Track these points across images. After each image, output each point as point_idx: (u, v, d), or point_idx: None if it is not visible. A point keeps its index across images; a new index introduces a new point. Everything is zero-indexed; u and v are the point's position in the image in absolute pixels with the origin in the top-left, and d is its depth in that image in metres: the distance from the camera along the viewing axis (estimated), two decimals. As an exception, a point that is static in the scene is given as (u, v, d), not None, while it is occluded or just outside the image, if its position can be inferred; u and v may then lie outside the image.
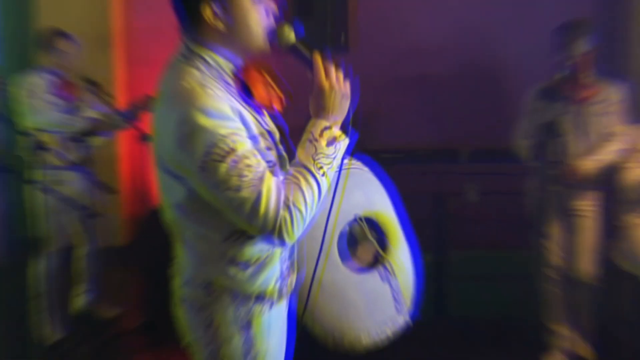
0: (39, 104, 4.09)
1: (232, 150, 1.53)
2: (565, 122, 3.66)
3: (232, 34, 1.70)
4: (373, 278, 2.20)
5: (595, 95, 3.68)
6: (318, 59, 1.70)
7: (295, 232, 1.60)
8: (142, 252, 4.87)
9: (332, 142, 1.67)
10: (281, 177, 1.61)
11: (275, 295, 1.81)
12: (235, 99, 1.66)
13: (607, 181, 3.80)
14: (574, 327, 3.82)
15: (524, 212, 3.98)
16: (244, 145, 1.56)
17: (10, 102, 4.25)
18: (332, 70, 1.69)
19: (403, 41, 5.29)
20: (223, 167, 1.53)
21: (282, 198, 1.57)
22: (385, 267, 2.21)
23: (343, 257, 2.17)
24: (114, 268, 4.63)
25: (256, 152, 1.59)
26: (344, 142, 1.71)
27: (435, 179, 4.45)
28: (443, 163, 4.50)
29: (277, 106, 1.84)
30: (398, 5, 5.31)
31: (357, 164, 2.20)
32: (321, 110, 1.69)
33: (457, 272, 4.47)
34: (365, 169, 2.26)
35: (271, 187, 1.55)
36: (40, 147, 3.44)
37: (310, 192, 1.61)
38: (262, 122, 1.72)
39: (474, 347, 4.12)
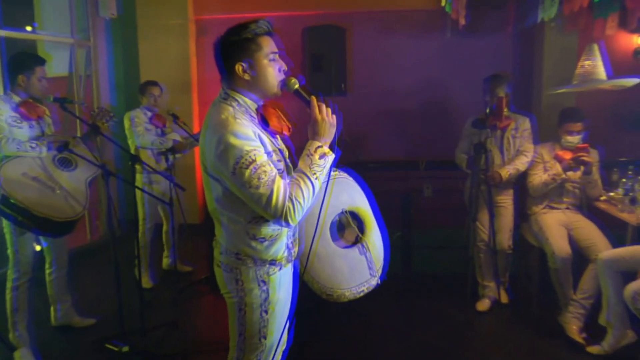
0: (140, 131, 4.09)
1: (253, 161, 1.60)
2: (490, 143, 3.60)
3: (255, 83, 1.74)
4: (354, 252, 2.15)
5: (511, 124, 3.62)
6: (314, 100, 1.72)
7: (297, 217, 1.65)
8: (209, 228, 4.86)
9: (322, 156, 1.69)
10: (287, 180, 1.66)
11: (284, 261, 1.83)
12: (256, 126, 1.69)
13: (519, 182, 3.74)
14: (496, 281, 3.75)
15: (463, 203, 3.91)
16: (261, 157, 1.62)
17: (120, 130, 4.23)
18: (324, 107, 1.70)
19: (383, 87, 5.23)
20: (247, 173, 1.59)
21: (287, 194, 1.62)
22: (362, 245, 2.18)
23: (333, 237, 2.12)
24: (192, 238, 4.58)
25: (270, 163, 1.64)
26: (331, 157, 1.72)
27: (403, 181, 4.39)
28: (408, 170, 4.44)
29: (286, 132, 1.85)
30: (380, 63, 5.24)
31: (343, 174, 2.17)
32: (315, 134, 1.71)
33: (418, 243, 4.40)
34: (349, 177, 2.20)
35: (280, 187, 1.61)
36: (137, 159, 3.41)
37: (307, 190, 1.65)
38: (275, 142, 1.76)
39: (429, 294, 4.05)
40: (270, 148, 1.70)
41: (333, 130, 1.71)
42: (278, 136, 1.81)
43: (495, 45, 5.09)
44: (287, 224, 1.71)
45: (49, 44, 5.03)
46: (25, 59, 3.07)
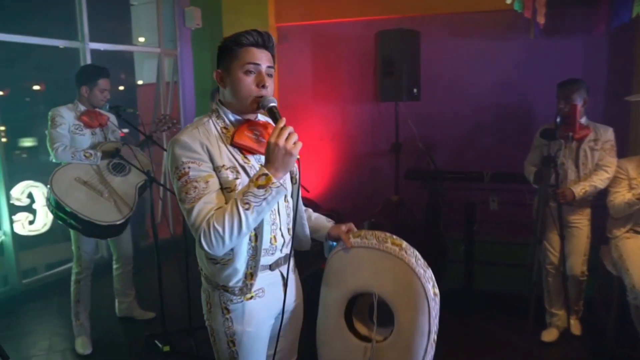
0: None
1: (186, 173, 1.47)
2: (564, 156, 3.12)
3: (230, 95, 1.57)
4: (357, 347, 1.76)
5: (588, 135, 3.09)
6: (280, 123, 1.45)
7: (214, 245, 1.43)
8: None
9: (263, 186, 1.41)
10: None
11: (237, 290, 1.59)
12: (214, 140, 1.52)
13: (597, 201, 3.19)
14: (566, 310, 3.24)
15: (530, 219, 3.42)
16: (196, 171, 1.47)
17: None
18: (285, 133, 1.42)
19: (455, 92, 4.82)
20: (178, 184, 1.48)
21: (207, 216, 1.43)
22: (371, 347, 1.75)
23: (347, 317, 1.80)
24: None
25: (208, 180, 1.47)
26: (275, 189, 1.43)
27: (468, 192, 3.97)
28: (473, 181, 4.00)
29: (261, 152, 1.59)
30: (453, 68, 4.82)
31: (399, 246, 1.70)
32: (267, 161, 1.45)
33: (481, 258, 3.96)
34: (409, 254, 1.70)
35: (202, 206, 1.44)
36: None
37: (230, 218, 1.41)
38: (237, 159, 1.54)
39: (490, 315, 3.62)
40: (222, 163, 1.51)
41: (288, 161, 1.43)
42: (254, 156, 1.60)
43: (582, 47, 4.45)
44: (204, 248, 1.44)
45: (141, 54, 5.28)
46: (89, 71, 3.20)
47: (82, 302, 3.28)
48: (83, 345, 3.25)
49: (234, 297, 1.59)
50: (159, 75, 5.22)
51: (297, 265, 1.89)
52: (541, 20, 3.65)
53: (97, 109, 3.24)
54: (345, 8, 5.15)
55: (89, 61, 4.37)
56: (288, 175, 1.70)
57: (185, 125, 3.95)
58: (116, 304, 3.68)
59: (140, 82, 5.37)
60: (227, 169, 1.51)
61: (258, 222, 1.48)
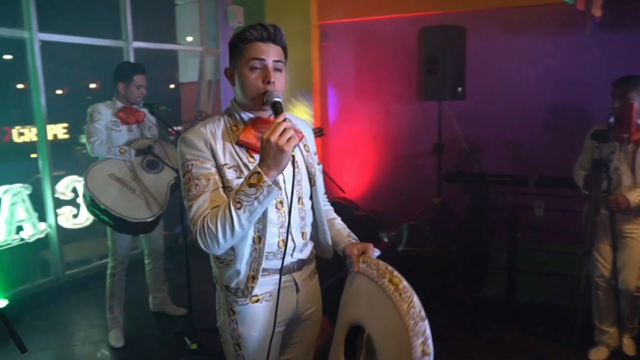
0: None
1: (189, 170, 1.46)
2: (618, 160, 2.85)
3: (239, 93, 1.53)
4: None
5: (645, 138, 2.81)
6: (278, 117, 1.37)
7: (209, 242, 1.39)
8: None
9: (254, 185, 1.34)
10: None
11: (239, 292, 1.54)
12: (224, 139, 1.50)
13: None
14: (618, 327, 2.97)
15: (579, 227, 3.16)
16: (199, 169, 1.46)
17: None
18: (279, 129, 1.33)
19: (503, 91, 4.56)
20: (183, 180, 1.48)
21: (203, 214, 1.40)
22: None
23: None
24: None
25: (209, 176, 1.45)
26: (267, 188, 1.34)
27: (513, 197, 3.73)
28: (518, 185, 3.74)
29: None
30: (501, 66, 4.57)
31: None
32: (260, 158, 1.37)
33: (525, 267, 3.72)
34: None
35: (200, 204, 1.42)
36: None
37: (223, 217, 1.36)
38: (242, 158, 1.49)
39: (532, 328, 3.38)
40: (224, 162, 1.47)
41: (280, 159, 1.33)
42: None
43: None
44: (202, 246, 1.41)
45: (185, 53, 5.34)
46: (124, 68, 3.22)
47: (117, 295, 3.31)
48: (116, 338, 3.29)
49: (239, 299, 1.54)
50: (201, 73, 5.25)
51: (320, 273, 1.80)
52: (597, 13, 3.38)
53: (134, 106, 3.26)
54: (388, 4, 5.01)
55: (132, 59, 4.44)
56: (305, 176, 1.62)
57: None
58: (150, 299, 3.71)
59: (184, 81, 5.43)
60: (229, 167, 1.47)
61: (253, 222, 1.41)
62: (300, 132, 1.60)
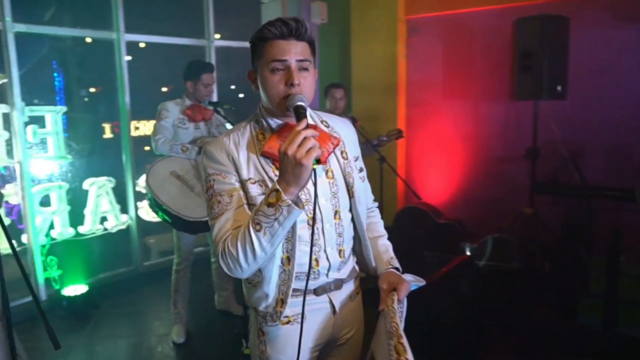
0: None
1: (211, 186, 1.33)
2: None
3: (264, 97, 1.36)
4: None
5: None
6: (298, 125, 1.19)
7: (232, 266, 1.26)
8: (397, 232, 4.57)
9: (272, 205, 1.19)
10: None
11: (268, 315, 1.41)
12: (249, 149, 1.36)
13: None
14: None
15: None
16: (221, 185, 1.32)
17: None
18: (297, 138, 1.15)
19: (608, 91, 3.94)
20: (206, 196, 1.36)
21: (225, 236, 1.28)
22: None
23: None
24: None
25: (232, 192, 1.31)
26: (286, 208, 1.17)
27: (618, 213, 3.19)
28: (623, 201, 3.18)
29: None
30: (610, 60, 3.95)
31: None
32: (279, 172, 1.20)
33: (629, 296, 3.17)
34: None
35: (222, 224, 1.29)
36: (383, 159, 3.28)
37: (243, 240, 1.23)
38: (267, 172, 1.34)
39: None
40: (248, 176, 1.33)
41: (299, 173, 1.16)
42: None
43: None
44: (229, 273, 1.29)
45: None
46: (193, 67, 3.21)
47: (180, 291, 3.33)
48: (177, 333, 3.31)
49: (268, 321, 1.41)
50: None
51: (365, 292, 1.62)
52: None
53: (202, 104, 3.24)
54: (480, -5, 4.58)
55: (213, 58, 4.48)
56: (342, 186, 1.43)
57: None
58: (215, 297, 3.71)
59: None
60: (254, 182, 1.33)
61: (276, 245, 1.25)
62: (335, 137, 1.42)
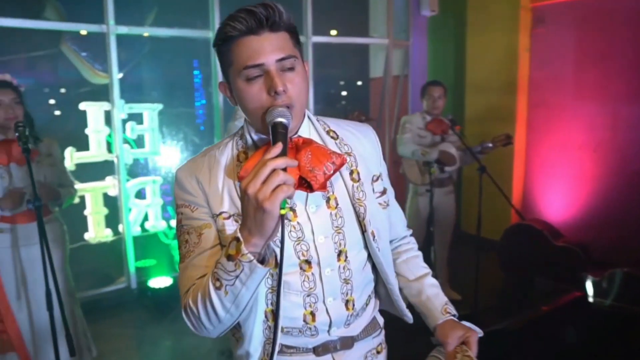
0: (405, 138, 3.56)
1: (179, 220, 1.08)
2: None
3: (244, 112, 1.04)
4: None
5: None
6: (269, 151, 0.87)
7: (195, 326, 1.01)
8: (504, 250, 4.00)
9: (232, 257, 0.90)
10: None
11: None
12: (225, 174, 1.05)
13: None
14: None
15: None
16: (188, 221, 1.06)
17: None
18: (262, 172, 0.85)
19: None
20: (176, 232, 1.11)
21: (188, 286, 1.02)
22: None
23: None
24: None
25: (202, 230, 1.04)
26: (248, 265, 0.88)
27: None
28: None
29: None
30: None
31: None
32: (242, 216, 0.91)
33: None
34: None
35: (188, 271, 1.03)
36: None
37: (203, 298, 0.96)
38: None
39: None
40: (220, 210, 1.03)
41: (262, 220, 0.86)
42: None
43: None
44: (196, 333, 1.03)
45: (376, 46, 4.97)
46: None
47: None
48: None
49: None
50: (386, 68, 4.79)
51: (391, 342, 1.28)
52: None
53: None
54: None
55: (310, 54, 4.28)
56: (352, 219, 1.09)
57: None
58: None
59: (373, 76, 5.07)
60: (227, 217, 1.04)
61: (242, 307, 0.97)
62: (339, 155, 1.02)
